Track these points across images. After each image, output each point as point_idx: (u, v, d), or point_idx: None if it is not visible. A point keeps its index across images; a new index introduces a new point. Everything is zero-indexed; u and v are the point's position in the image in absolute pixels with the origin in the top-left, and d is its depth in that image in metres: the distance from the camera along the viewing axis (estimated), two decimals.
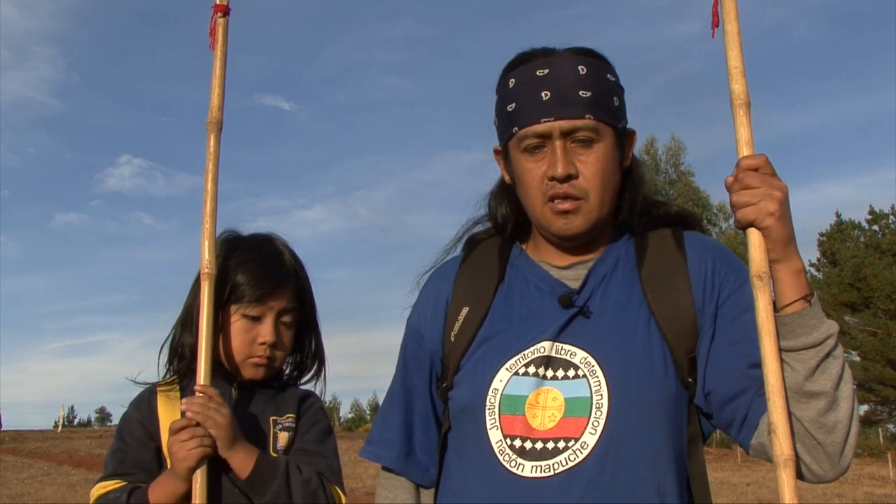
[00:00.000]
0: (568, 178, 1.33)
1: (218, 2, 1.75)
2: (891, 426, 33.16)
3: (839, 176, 65.63)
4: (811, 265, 33.57)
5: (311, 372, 1.88)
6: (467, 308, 1.43)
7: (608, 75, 1.39)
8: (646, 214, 1.46)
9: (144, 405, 1.75)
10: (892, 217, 31.46)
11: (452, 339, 1.42)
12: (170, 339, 1.81)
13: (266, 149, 79.72)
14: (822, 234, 33.36)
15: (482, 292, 1.44)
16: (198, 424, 1.56)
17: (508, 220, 1.50)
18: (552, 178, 1.33)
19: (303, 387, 1.87)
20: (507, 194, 1.50)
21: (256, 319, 1.73)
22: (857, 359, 30.00)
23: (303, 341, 1.86)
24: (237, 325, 1.73)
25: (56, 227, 78.53)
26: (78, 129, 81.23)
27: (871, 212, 32.06)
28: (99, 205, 77.10)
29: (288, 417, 1.75)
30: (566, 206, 1.34)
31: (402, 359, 1.53)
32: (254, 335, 1.72)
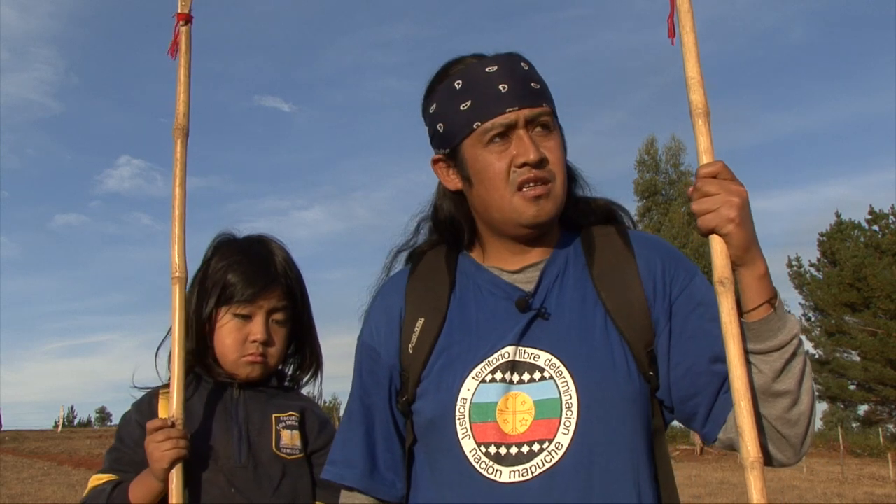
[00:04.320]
0: (541, 163, 1.34)
1: (179, 10, 1.77)
2: (891, 426, 33.14)
3: (839, 176, 65.80)
4: (811, 265, 33.55)
5: (310, 372, 1.90)
6: (423, 319, 1.42)
7: (539, 75, 1.42)
8: (578, 209, 1.47)
9: (145, 407, 1.78)
10: (892, 217, 31.42)
11: (410, 351, 1.41)
12: (168, 342, 1.81)
13: (265, 150, 79.75)
14: (822, 234, 33.34)
15: (436, 302, 1.42)
16: (173, 425, 1.59)
17: (463, 227, 1.48)
18: (523, 165, 1.33)
19: (303, 391, 1.89)
20: (456, 203, 1.47)
21: (247, 318, 1.75)
22: (857, 359, 29.97)
23: (300, 342, 1.88)
24: (229, 325, 1.75)
25: (55, 227, 78.42)
26: (77, 130, 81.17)
27: (871, 212, 32.02)
28: (98, 206, 77.02)
29: (291, 416, 1.77)
30: (539, 190, 1.34)
31: (358, 377, 1.50)
32: (245, 333, 1.75)
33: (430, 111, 1.44)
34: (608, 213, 1.49)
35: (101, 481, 1.70)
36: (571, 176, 1.47)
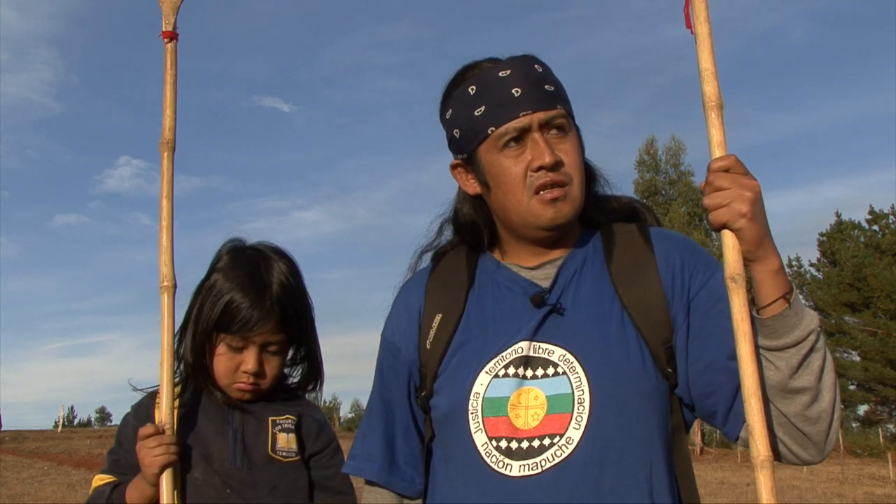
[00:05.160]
0: (556, 166, 1.34)
1: (164, 28, 1.78)
2: (891, 426, 33.14)
3: (839, 176, 65.72)
4: (811, 265, 33.57)
5: (311, 385, 1.89)
6: (440, 315, 1.43)
7: (554, 76, 1.41)
8: (599, 207, 1.47)
9: (143, 410, 1.79)
10: (892, 217, 31.44)
11: (428, 346, 1.42)
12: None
13: (265, 150, 79.76)
14: (822, 234, 33.38)
15: (454, 298, 1.44)
16: (164, 432, 1.62)
17: (483, 230, 1.48)
18: (539, 168, 1.33)
19: (307, 396, 1.88)
20: (475, 206, 1.48)
21: (239, 349, 1.74)
22: (857, 359, 29.97)
23: (302, 355, 1.86)
24: (222, 353, 1.75)
25: (55, 227, 78.62)
26: (77, 130, 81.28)
27: (871, 212, 32.04)
28: (98, 206, 77.12)
29: (287, 419, 1.77)
30: (555, 193, 1.34)
31: (379, 373, 1.52)
32: (237, 363, 1.74)
33: (447, 117, 1.44)
34: (630, 211, 1.49)
35: (103, 482, 1.74)
36: (591, 175, 1.47)
